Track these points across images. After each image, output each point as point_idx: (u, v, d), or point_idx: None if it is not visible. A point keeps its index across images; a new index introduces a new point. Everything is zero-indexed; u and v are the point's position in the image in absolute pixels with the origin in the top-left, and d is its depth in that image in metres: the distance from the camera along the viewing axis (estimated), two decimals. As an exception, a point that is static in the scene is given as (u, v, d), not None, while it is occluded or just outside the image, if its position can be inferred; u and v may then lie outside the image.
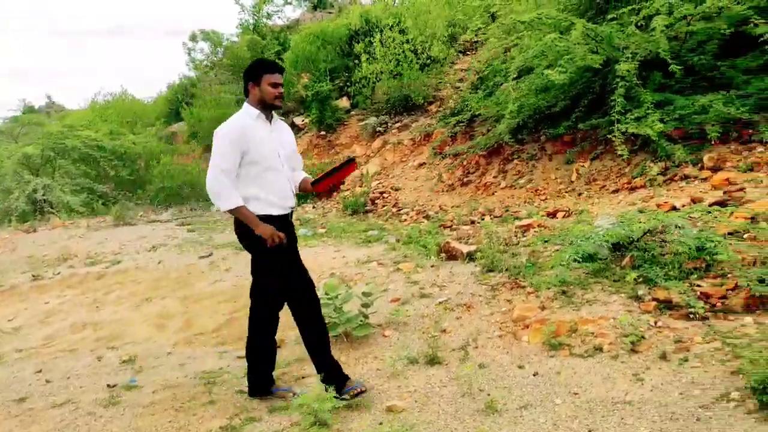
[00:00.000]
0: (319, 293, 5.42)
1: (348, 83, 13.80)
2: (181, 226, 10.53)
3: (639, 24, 7.54)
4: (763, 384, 2.87)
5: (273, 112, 3.53)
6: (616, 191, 7.20)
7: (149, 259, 8.08)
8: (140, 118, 18.67)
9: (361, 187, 10.40)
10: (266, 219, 3.39)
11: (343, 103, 13.97)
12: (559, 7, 9.10)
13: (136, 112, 19.31)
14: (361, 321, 4.56)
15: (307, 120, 14.49)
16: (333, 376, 3.61)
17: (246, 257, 7.07)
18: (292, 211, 3.63)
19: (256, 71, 3.41)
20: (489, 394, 3.44)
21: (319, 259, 6.82)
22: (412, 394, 3.65)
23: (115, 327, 5.65)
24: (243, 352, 4.66)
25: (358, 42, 13.65)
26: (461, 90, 11.81)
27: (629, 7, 8.12)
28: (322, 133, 13.62)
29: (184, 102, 16.69)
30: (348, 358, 4.29)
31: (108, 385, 4.19)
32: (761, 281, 3.78)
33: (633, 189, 7.04)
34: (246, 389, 3.87)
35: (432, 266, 5.78)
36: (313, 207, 11.07)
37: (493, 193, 8.67)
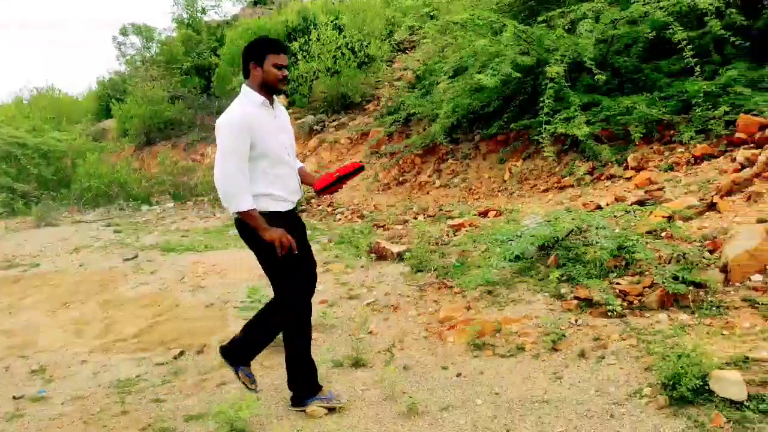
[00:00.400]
0: (241, 298, 5.34)
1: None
2: (108, 226, 10.11)
3: (567, 27, 7.69)
4: (673, 379, 2.94)
5: (274, 96, 3.20)
6: (546, 190, 7.33)
7: (70, 261, 7.71)
8: (67, 114, 17.88)
9: (296, 186, 10.26)
10: (274, 215, 3.08)
11: (281, 101, 13.75)
12: (492, 8, 9.20)
13: (62, 107, 18.50)
14: (286, 324, 4.44)
15: (243, 118, 14.18)
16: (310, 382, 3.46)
17: (172, 260, 6.82)
18: (296, 206, 3.36)
19: (259, 50, 3.08)
20: (411, 397, 3.39)
21: (247, 261, 6.64)
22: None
23: (28, 334, 5.34)
24: (163, 358, 4.53)
25: (296, 39, 13.47)
26: (399, 89, 11.81)
27: (558, 10, 8.28)
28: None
29: (114, 98, 16.09)
30: (272, 362, 4.17)
31: (14, 397, 3.94)
32: (675, 278, 3.88)
33: (562, 188, 7.17)
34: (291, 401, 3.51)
35: (362, 267, 5.72)
36: (248, 207, 10.82)
37: (427, 193, 8.69)
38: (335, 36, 12.31)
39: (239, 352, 3.42)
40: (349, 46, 12.35)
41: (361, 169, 3.39)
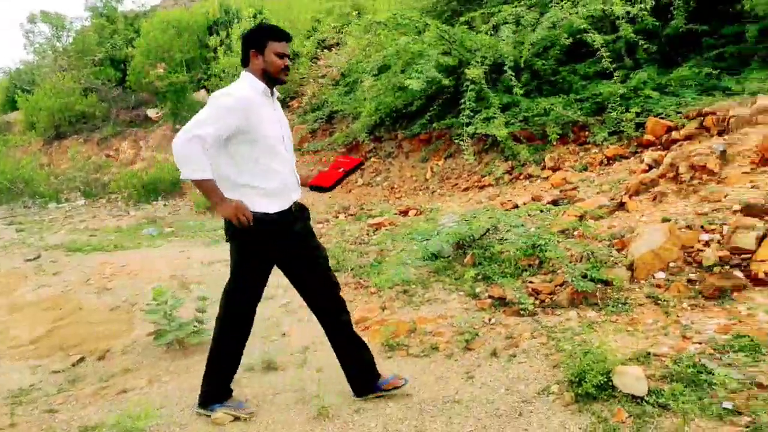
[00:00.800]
0: (146, 299, 5.08)
1: (207, 76, 13.19)
2: (10, 225, 9.49)
3: (489, 32, 7.81)
4: (579, 376, 2.97)
5: (274, 87, 2.98)
6: (466, 189, 7.39)
7: (-35, 263, 7.16)
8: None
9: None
10: (263, 217, 2.85)
11: (201, 96, 13.33)
12: (416, 6, 9.22)
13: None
14: (196, 327, 4.26)
15: (161, 113, 13.68)
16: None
17: (78, 261, 6.45)
18: (295, 204, 3.04)
19: (260, 37, 2.87)
20: (323, 400, 3.29)
21: (160, 261, 6.37)
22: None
23: None
24: (61, 365, 4.24)
25: (217, 33, 13.09)
26: (323, 86, 11.68)
27: (480, 11, 8.39)
28: (178, 127, 12.88)
29: (20, 89, 15.13)
30: (178, 367, 3.98)
31: None
32: (584, 277, 3.96)
33: (482, 187, 7.26)
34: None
35: (278, 267, 5.57)
36: (164, 205, 10.43)
37: (350, 191, 8.61)
38: (258, 30, 12.03)
39: (209, 389, 3.26)
40: (272, 41, 12.10)
41: (361, 164, 3.23)
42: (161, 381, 3.86)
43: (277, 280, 5.27)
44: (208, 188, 2.75)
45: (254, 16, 12.41)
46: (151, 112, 13.94)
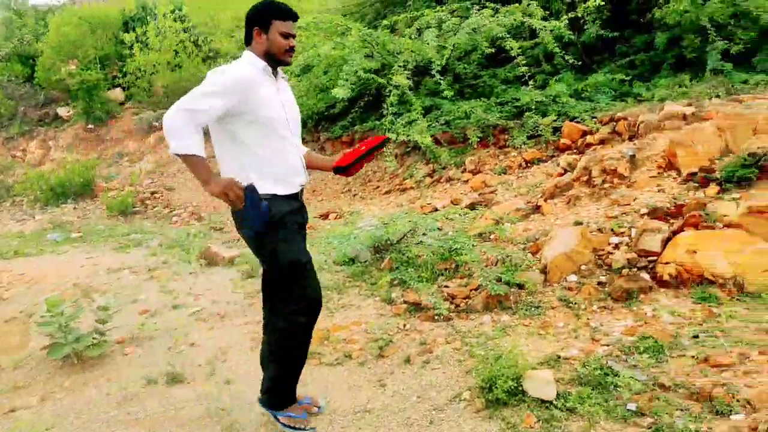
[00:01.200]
0: (40, 310, 4.75)
1: (122, 73, 12.63)
2: None
3: (412, 36, 7.80)
4: (490, 382, 2.94)
5: (279, 68, 2.76)
6: (388, 192, 7.34)
7: None
8: None
9: (130, 186, 9.49)
10: (270, 199, 2.61)
11: (117, 94, 12.76)
12: (339, 9, 9.12)
13: None
14: (95, 339, 3.99)
15: (72, 111, 12.98)
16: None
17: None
18: (302, 190, 2.85)
19: (264, 15, 2.66)
20: (230, 414, 3.13)
21: (65, 267, 5.99)
22: (142, 420, 3.21)
23: None
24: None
25: (134, 30, 12.56)
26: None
27: (403, 15, 8.39)
28: (90, 126, 12.28)
29: None
30: (74, 382, 3.71)
31: None
32: (499, 280, 3.96)
33: (404, 190, 7.23)
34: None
35: (191, 273, 5.33)
36: (74, 208, 9.87)
37: (270, 194, 8.39)
38: (176, 27, 11.61)
39: (272, 394, 2.96)
40: (192, 39, 11.72)
41: (387, 141, 2.92)
42: (55, 398, 3.58)
43: (188, 286, 5.07)
44: (195, 164, 2.49)
45: (173, 12, 11.98)
46: (62, 111, 13.20)
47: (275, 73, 2.74)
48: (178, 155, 2.49)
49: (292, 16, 2.69)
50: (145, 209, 8.91)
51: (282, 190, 2.68)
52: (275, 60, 2.69)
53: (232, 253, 5.43)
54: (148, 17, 12.52)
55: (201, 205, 8.65)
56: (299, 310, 2.77)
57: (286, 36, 2.66)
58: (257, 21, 2.67)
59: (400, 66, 7.51)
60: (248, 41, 2.72)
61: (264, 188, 2.62)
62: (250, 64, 2.65)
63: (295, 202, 2.76)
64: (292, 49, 2.69)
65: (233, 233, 6.77)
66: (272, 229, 2.64)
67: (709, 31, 6.70)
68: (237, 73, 2.56)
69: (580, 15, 7.30)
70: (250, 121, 2.59)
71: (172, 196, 9.16)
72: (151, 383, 3.61)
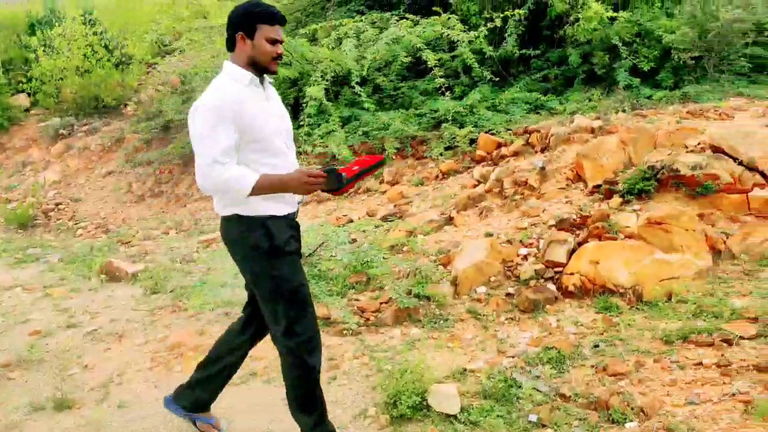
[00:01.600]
0: None
1: (27, 78, 11.92)
2: None
3: (331, 45, 7.74)
4: (395, 397, 2.88)
5: (266, 76, 2.52)
6: (306, 204, 7.21)
7: None
8: None
9: (33, 197, 8.93)
10: (269, 220, 2.43)
11: (21, 100, 12.03)
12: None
13: None
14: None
15: (-30, 117, 12.13)
16: None
17: None
18: (297, 210, 2.64)
19: (249, 19, 2.38)
20: (122, 441, 2.94)
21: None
22: (23, 452, 2.97)
23: None
24: None
25: (42, 32, 11.90)
26: (162, 93, 11.00)
27: (321, 24, 8.32)
28: (-7, 132, 11.51)
29: None
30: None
31: None
32: (409, 293, 3.92)
33: (321, 201, 7.12)
34: None
35: (90, 290, 5.02)
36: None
37: (185, 205, 8.11)
38: (85, 31, 11.09)
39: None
40: (102, 43, 11.22)
41: (382, 162, 2.67)
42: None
43: (86, 304, 4.78)
44: (264, 187, 2.33)
45: (83, 15, 11.43)
46: (-42, 117, 12.31)
47: (262, 81, 2.52)
48: (253, 195, 2.33)
49: (281, 20, 2.47)
50: (48, 222, 8.39)
51: (281, 210, 2.50)
52: (260, 68, 2.46)
53: (136, 268, 5.16)
54: (55, 21, 11.89)
55: (109, 218, 8.23)
56: (306, 342, 2.55)
57: (274, 42, 2.43)
58: (241, 25, 2.43)
59: (318, 76, 7.43)
60: (230, 47, 2.49)
61: (263, 207, 2.45)
62: (233, 81, 2.43)
63: (293, 223, 2.60)
64: (279, 56, 2.48)
65: (140, 246, 6.46)
66: (277, 253, 2.47)
67: (620, 49, 6.98)
68: (221, 98, 2.34)
69: (498, 25, 7.44)
70: (246, 140, 2.39)
71: (78, 208, 8.67)
72: (37, 410, 3.36)
